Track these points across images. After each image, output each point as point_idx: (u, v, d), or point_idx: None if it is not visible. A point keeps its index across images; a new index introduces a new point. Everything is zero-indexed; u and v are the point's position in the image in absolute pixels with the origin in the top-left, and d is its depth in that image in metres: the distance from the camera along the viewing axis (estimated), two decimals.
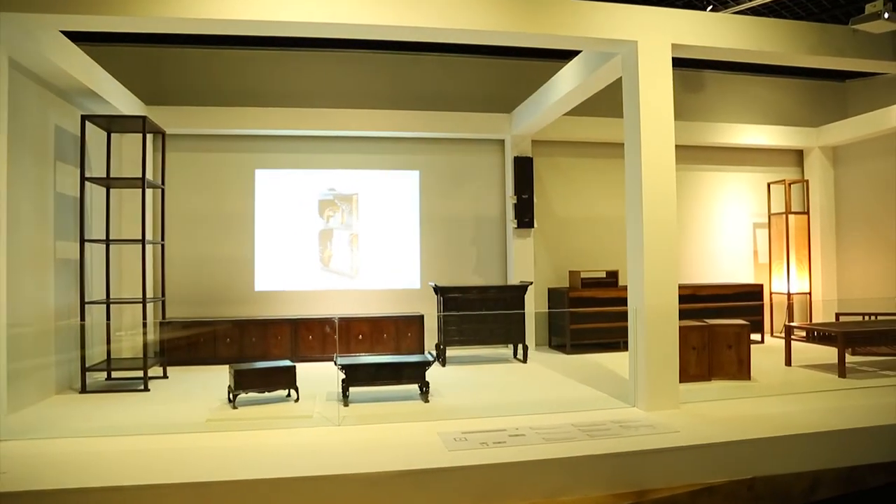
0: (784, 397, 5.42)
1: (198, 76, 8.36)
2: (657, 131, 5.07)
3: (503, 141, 8.71)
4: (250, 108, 8.14)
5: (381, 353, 7.71)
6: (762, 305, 8.66)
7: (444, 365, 7.29)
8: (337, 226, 8.55)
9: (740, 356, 6.16)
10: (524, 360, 7.42)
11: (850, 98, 9.90)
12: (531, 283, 7.72)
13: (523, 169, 8.34)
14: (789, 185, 9.29)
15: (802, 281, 9.07)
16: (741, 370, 6.16)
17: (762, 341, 8.56)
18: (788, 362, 6.89)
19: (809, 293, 9.13)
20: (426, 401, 5.50)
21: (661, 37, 5.07)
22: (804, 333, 6.82)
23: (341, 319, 7.88)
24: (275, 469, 3.79)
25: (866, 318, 7.76)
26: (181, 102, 8.12)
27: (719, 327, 6.21)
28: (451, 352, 7.89)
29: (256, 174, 8.49)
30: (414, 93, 8.61)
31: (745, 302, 8.55)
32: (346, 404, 5.40)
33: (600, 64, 5.69)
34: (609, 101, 8.96)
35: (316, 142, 8.55)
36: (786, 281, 9.02)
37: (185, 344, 7.63)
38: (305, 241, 8.50)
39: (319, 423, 4.95)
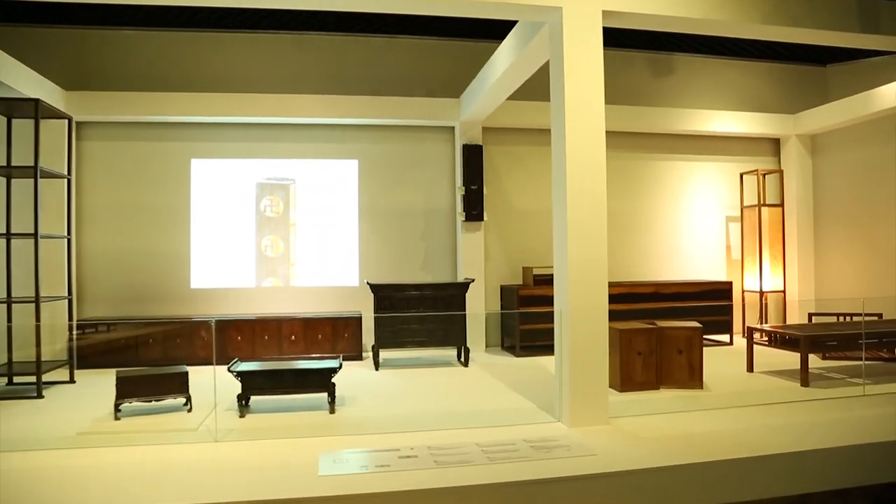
0: (735, 411, 4.82)
1: (126, 60, 7.76)
2: (585, 114, 4.46)
3: (454, 128, 8.10)
4: (184, 94, 7.57)
5: (312, 355, 7.15)
6: (731, 305, 8.04)
7: (377, 368, 6.72)
8: (274, 219, 7.97)
9: (692, 362, 5.56)
10: (465, 364, 6.83)
11: (831, 84, 9.26)
12: (472, 281, 7.13)
13: (472, 157, 7.74)
14: (763, 175, 8.67)
15: (776, 278, 8.46)
16: (693, 378, 5.56)
17: (731, 343, 7.97)
18: (750, 368, 6.30)
19: (784, 291, 8.51)
20: (332, 411, 4.93)
21: (590, 2, 4.46)
22: (766, 337, 6.21)
23: (273, 319, 7.32)
24: (118, 496, 3.23)
25: (841, 318, 7.15)
26: (108, 87, 7.54)
27: (669, 330, 5.61)
28: (391, 354, 7.33)
29: (193, 164, 7.92)
30: (358, 77, 8.00)
31: (713, 301, 7.95)
32: (241, 415, 4.85)
33: (531, 37, 5.09)
34: None
35: (254, 129, 7.97)
36: (758, 278, 8.40)
37: (105, 346, 7.09)
38: (242, 236, 7.92)
39: (201, 437, 4.39)
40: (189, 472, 3.65)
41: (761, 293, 8.41)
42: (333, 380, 5.00)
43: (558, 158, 4.53)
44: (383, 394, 5.69)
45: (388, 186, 8.07)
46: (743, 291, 8.72)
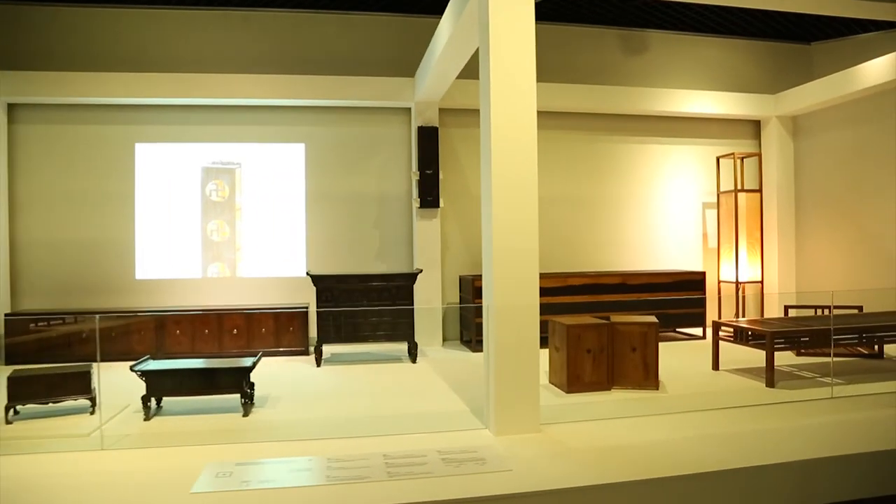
0: (689, 416, 4.38)
1: (63, 38, 7.30)
2: (513, 90, 3.99)
3: (410, 110, 7.62)
4: (126, 74, 7.14)
5: (254, 351, 6.75)
6: (704, 296, 7.59)
7: (318, 365, 6.30)
8: (220, 204, 7.54)
9: (646, 361, 5.12)
10: (413, 360, 6.41)
11: (816, 62, 8.74)
12: (420, 271, 6.70)
13: (428, 140, 7.28)
14: (742, 159, 8.19)
15: (754, 268, 8.00)
16: (647, 377, 5.12)
17: (704, 337, 7.52)
18: (716, 365, 5.86)
19: (761, 282, 8.05)
20: (245, 414, 4.52)
21: None
22: (732, 332, 5.76)
23: (214, 312, 6.90)
24: None
25: (820, 311, 6.69)
26: (43, 67, 7.09)
27: (622, 326, 5.17)
28: (341, 349, 6.92)
29: (137, 149, 7.47)
30: (309, 56, 7.53)
31: (685, 292, 7.50)
32: (146, 418, 4.44)
33: (463, 7, 4.61)
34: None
35: (201, 112, 7.51)
36: (734, 268, 7.94)
37: (35, 341, 6.69)
38: (188, 221, 7.49)
39: (91, 444, 3.99)
40: (49, 487, 3.23)
41: (737, 284, 7.95)
42: (254, 378, 4.58)
43: (485, 141, 4.08)
44: (314, 394, 5.28)
45: (339, 171, 7.61)
46: (719, 282, 8.27)
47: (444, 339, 7.69)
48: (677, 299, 7.40)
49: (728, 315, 8.11)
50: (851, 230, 7.70)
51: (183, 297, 7.46)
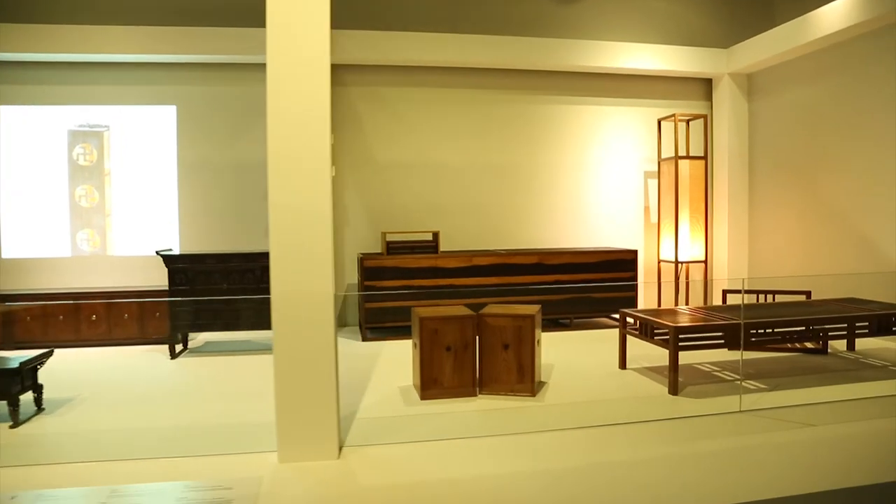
0: (554, 436, 3.53)
1: None
2: (299, 37, 3.10)
3: None
4: None
5: (115, 340, 5.96)
6: (636, 278, 6.70)
7: (172, 357, 5.50)
8: (88, 168, 6.68)
9: (521, 361, 4.26)
10: None
11: (777, 13, 7.66)
12: None
13: None
14: (688, 122, 7.22)
15: (697, 246, 7.08)
16: (522, 381, 4.27)
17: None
18: (623, 363, 5.00)
19: (705, 262, 7.14)
20: (13, 425, 3.72)
21: None
22: (637, 325, 4.88)
23: (71, 296, 6.10)
24: None
25: (764, 298, 5.79)
26: None
27: (491, 318, 4.30)
28: (214, 336, 6.12)
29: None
30: (180, 5, 6.56)
31: (615, 273, 6.60)
32: None
33: None
34: (448, 9, 6.98)
35: (64, 71, 6.58)
36: (674, 246, 7.03)
37: None
38: (55, 188, 6.67)
39: None
40: None
41: (676, 264, 7.05)
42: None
43: (268, 97, 3.18)
44: (134, 396, 4.46)
45: (219, 137, 6.71)
46: (659, 262, 7.36)
47: (345, 325, 6.87)
48: (606, 281, 6.52)
49: (669, 302, 7.22)
50: (813, 204, 6.74)
51: (51, 278, 6.65)
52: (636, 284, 6.66)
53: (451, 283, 6.17)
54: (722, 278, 7.34)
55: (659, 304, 7.19)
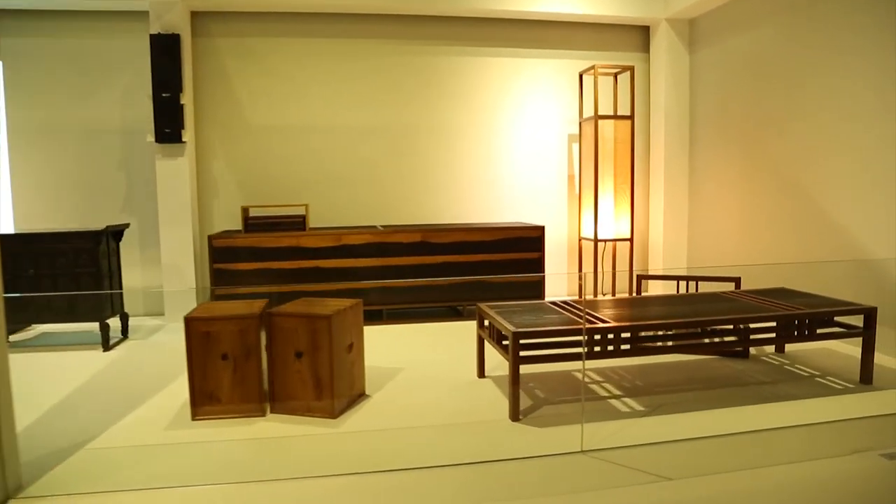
0: (346, 481, 2.71)
1: None
2: None
3: (148, 14, 5.72)
4: None
5: None
6: (542, 260, 5.76)
7: None
8: None
9: (318, 373, 3.42)
10: (105, 347, 4.82)
11: None
12: (126, 226, 5.06)
13: (165, 53, 5.45)
14: (615, 76, 6.20)
15: (623, 221, 6.11)
16: (321, 398, 3.43)
17: None
18: (482, 371, 4.13)
19: (631, 240, 6.17)
20: None
21: None
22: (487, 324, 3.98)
23: None
24: None
25: (687, 286, 4.85)
26: None
27: (280, 319, 3.45)
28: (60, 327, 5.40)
29: None
30: None
31: (517, 253, 5.69)
32: None
33: None
34: None
35: None
36: (594, 221, 6.07)
37: None
38: None
39: None
40: None
41: (595, 243, 6.09)
42: None
43: None
44: None
45: (60, 98, 5.84)
46: (580, 240, 6.41)
47: None
48: (506, 263, 5.61)
49: (600, 285, 6.29)
50: (762, 172, 5.70)
51: None
52: (542, 265, 5.73)
53: (317, 266, 5.32)
54: (655, 259, 6.37)
55: (580, 293, 6.28)
